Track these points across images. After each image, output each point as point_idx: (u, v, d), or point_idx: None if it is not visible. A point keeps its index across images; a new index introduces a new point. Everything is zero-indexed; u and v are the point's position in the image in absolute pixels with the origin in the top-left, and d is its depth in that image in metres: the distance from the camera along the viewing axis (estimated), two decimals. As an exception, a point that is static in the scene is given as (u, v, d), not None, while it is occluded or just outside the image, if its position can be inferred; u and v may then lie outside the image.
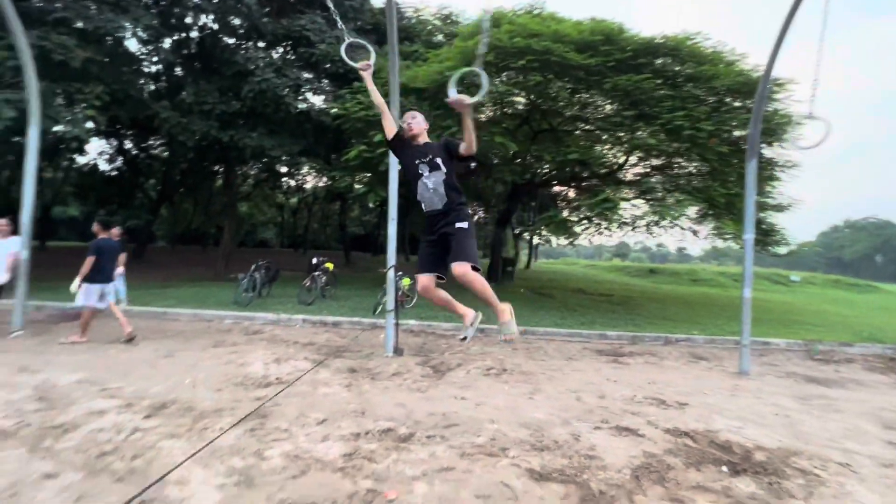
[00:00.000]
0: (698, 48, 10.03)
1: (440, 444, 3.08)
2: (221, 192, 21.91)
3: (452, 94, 2.74)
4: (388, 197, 5.94)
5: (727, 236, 13.82)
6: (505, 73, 11.09)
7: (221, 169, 17.70)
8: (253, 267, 9.60)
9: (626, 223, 15.31)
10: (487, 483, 2.57)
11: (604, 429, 3.53)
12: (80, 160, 21.49)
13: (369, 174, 12.97)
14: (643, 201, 13.70)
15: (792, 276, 29.70)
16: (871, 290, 28.78)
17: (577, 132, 13.84)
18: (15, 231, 6.04)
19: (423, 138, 3.04)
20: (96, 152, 22.32)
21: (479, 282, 2.65)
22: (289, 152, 13.05)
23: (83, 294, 5.67)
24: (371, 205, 19.27)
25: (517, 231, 26.98)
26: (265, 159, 14.60)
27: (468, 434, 3.27)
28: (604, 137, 12.77)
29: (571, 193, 20.39)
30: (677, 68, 10.14)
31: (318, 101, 14.90)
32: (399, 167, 2.73)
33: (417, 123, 3.01)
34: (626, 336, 7.66)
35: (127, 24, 9.81)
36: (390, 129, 3.11)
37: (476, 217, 33.43)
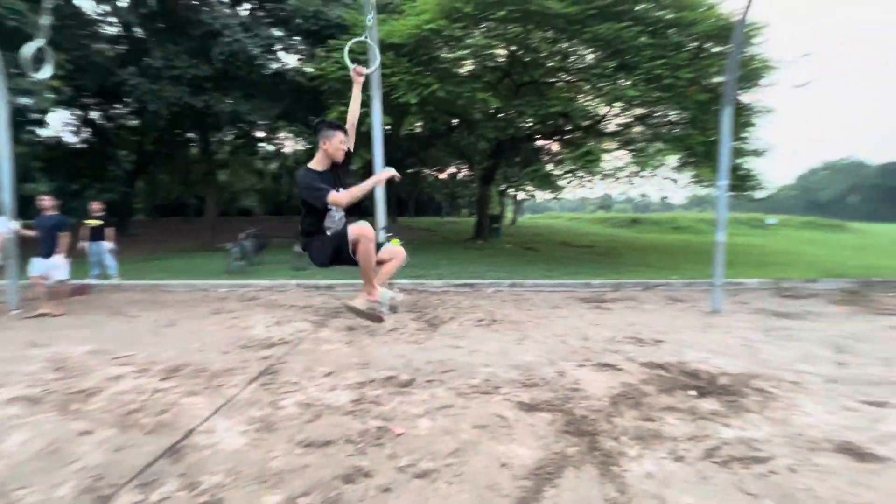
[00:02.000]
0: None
1: (439, 386, 3.39)
2: (199, 161, 21.32)
3: (349, 63, 3.11)
4: (374, 158, 6.00)
5: (706, 183, 14.14)
6: (485, 25, 10.78)
7: (197, 137, 17.16)
8: (241, 236, 9.63)
9: (608, 175, 15.46)
10: (483, 415, 2.89)
11: (586, 366, 3.88)
12: (43, 133, 20.56)
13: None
14: (625, 152, 13.82)
15: (768, 219, 30.53)
16: (843, 230, 29.93)
17: (558, 83, 13.68)
18: (-3, 211, 5.97)
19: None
20: (60, 124, 21.31)
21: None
22: (266, 116, 12.70)
23: (66, 268, 5.96)
24: (353, 167, 19.03)
25: (502, 188, 27.00)
26: (242, 125, 14.18)
27: (464, 377, 3.58)
28: (585, 88, 12.67)
29: (555, 147, 20.35)
30: (658, 13, 9.99)
31: (291, 60, 14.33)
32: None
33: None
34: (609, 284, 8.06)
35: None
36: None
37: (460, 174, 33.18)
